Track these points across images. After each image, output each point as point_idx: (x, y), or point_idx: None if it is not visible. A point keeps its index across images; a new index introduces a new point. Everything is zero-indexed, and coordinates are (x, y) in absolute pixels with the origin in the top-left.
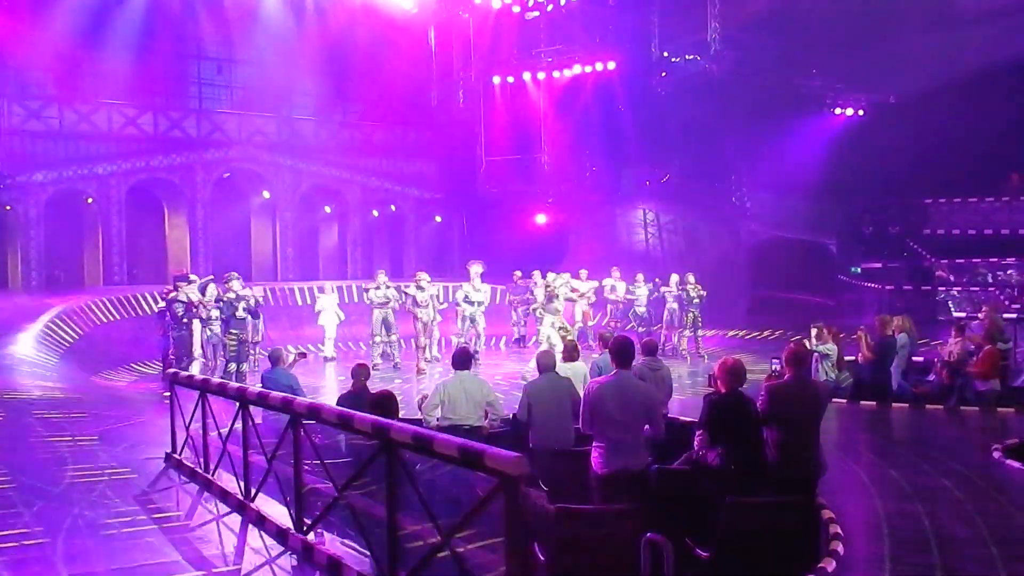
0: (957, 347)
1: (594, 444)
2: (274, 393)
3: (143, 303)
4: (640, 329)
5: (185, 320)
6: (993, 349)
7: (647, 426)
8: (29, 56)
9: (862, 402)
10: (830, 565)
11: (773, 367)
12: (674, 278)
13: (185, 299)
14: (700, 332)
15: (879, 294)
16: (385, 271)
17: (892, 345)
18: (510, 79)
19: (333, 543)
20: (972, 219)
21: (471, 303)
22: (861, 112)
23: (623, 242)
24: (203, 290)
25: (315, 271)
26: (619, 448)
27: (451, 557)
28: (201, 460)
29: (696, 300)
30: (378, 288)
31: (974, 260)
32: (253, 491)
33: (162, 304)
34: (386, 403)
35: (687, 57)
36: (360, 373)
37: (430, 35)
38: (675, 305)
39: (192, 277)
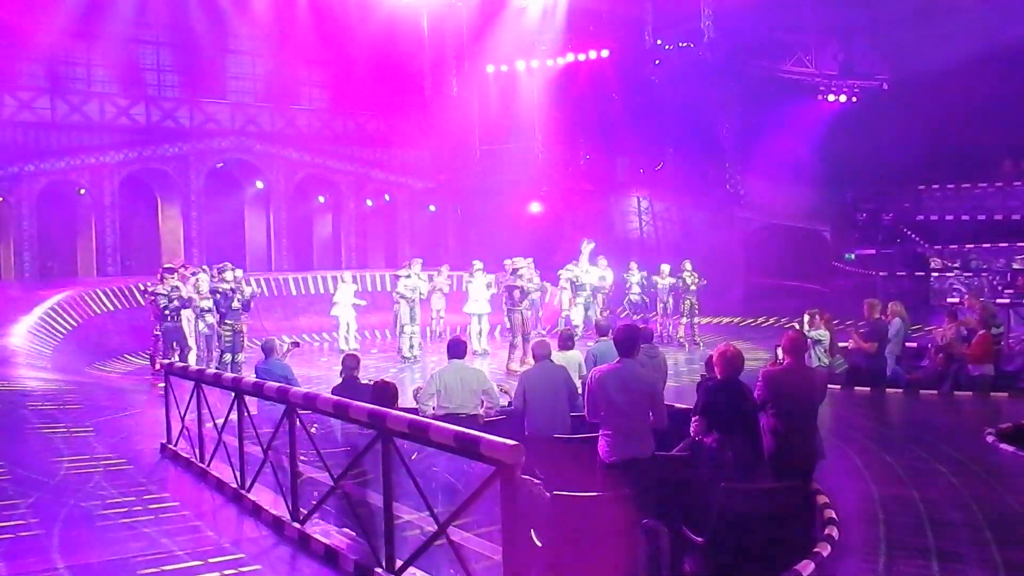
0: (951, 332)
1: (601, 432)
2: (269, 383)
3: (137, 294)
4: (635, 317)
5: (167, 312)
6: (986, 334)
7: (651, 414)
8: (20, 46)
9: (856, 388)
10: (825, 550)
11: (778, 355)
12: (664, 268)
13: (165, 291)
14: (696, 319)
15: (873, 280)
16: (421, 260)
17: (883, 328)
18: (504, 68)
19: (329, 532)
20: (965, 205)
21: (581, 286)
22: (854, 99)
23: (617, 230)
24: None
25: (309, 261)
26: (624, 436)
27: (448, 545)
28: (197, 451)
29: (693, 287)
30: (409, 278)
31: (967, 246)
32: (249, 481)
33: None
34: (385, 392)
35: (680, 44)
36: (349, 363)
37: (423, 24)
38: (668, 295)
39: (167, 265)
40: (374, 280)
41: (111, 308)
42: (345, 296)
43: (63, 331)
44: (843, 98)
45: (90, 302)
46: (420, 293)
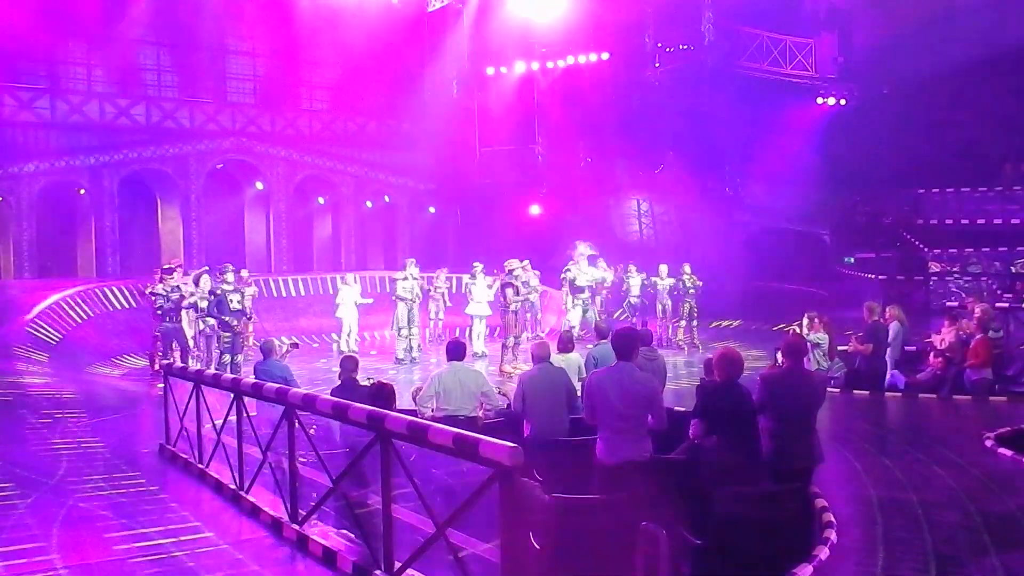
0: (950, 336)
1: (598, 435)
2: (268, 384)
3: (136, 295)
4: (633, 319)
5: (162, 313)
6: (985, 338)
7: (650, 417)
8: (20, 46)
9: (855, 391)
10: (823, 553)
11: (778, 358)
12: (663, 268)
13: (164, 291)
14: (696, 322)
15: (872, 284)
16: (415, 260)
17: (881, 330)
18: (504, 70)
19: (328, 534)
20: (965, 209)
21: (579, 288)
22: (854, 102)
23: (617, 233)
24: (197, 281)
25: (309, 263)
26: (622, 439)
27: (446, 547)
28: (195, 451)
29: (692, 290)
30: (405, 279)
31: (967, 250)
32: (248, 482)
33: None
34: (381, 393)
35: (681, 47)
36: (348, 365)
37: (424, 25)
38: (667, 297)
39: (167, 266)
40: (373, 281)
41: (110, 308)
42: (347, 298)
43: (62, 331)
44: (843, 101)
45: (89, 302)
46: (416, 294)
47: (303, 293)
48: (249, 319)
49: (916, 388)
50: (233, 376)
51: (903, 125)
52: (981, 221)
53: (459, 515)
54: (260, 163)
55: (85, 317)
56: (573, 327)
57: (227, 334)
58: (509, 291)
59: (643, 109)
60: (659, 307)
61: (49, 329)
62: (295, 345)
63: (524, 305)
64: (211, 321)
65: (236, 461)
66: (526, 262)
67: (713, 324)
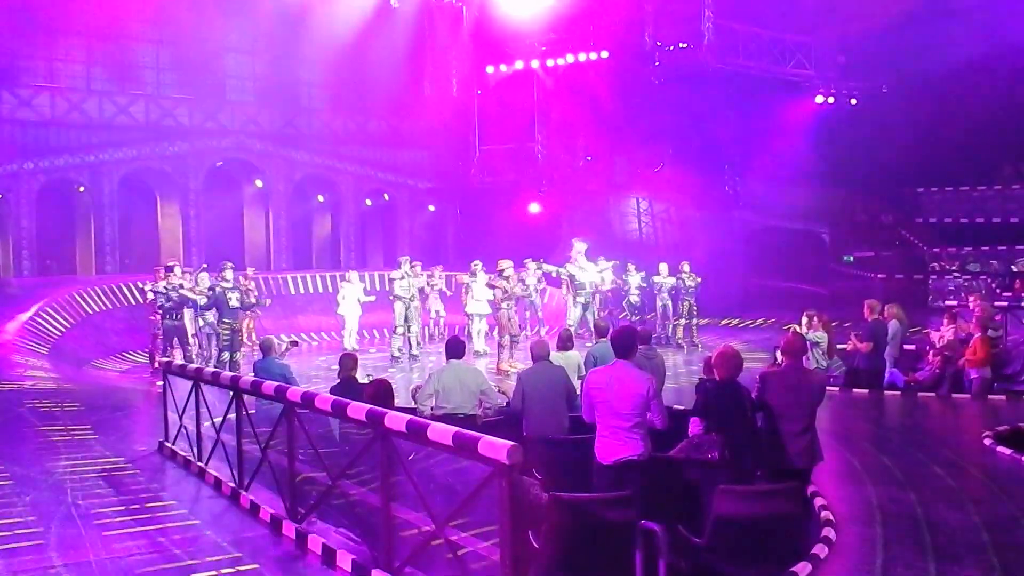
0: (949, 334)
1: (597, 433)
2: (267, 382)
3: (135, 292)
4: (633, 318)
5: (164, 311)
6: (984, 337)
7: (649, 415)
8: (20, 44)
9: (854, 390)
10: (822, 551)
11: (777, 357)
12: (663, 267)
13: (164, 289)
14: (695, 321)
15: (872, 282)
16: (409, 258)
17: (881, 329)
18: (504, 68)
19: (327, 532)
20: (964, 208)
21: (581, 286)
22: (854, 101)
23: (616, 231)
24: (196, 280)
25: (308, 261)
26: (620, 437)
27: (445, 545)
28: (194, 449)
29: (692, 288)
30: (403, 278)
31: (966, 249)
32: (247, 480)
33: (150, 295)
34: (379, 391)
35: (680, 46)
36: (347, 363)
37: (424, 23)
38: (667, 295)
39: (170, 263)
40: (373, 280)
41: (110, 306)
42: (350, 295)
43: (61, 329)
44: (842, 100)
45: (88, 300)
46: (413, 293)
47: (302, 291)
48: (261, 304)
49: (915, 387)
50: (232, 374)
51: (902, 124)
52: (980, 220)
53: (458, 513)
54: (259, 161)
55: (85, 315)
56: (571, 325)
57: (226, 332)
58: (498, 293)
59: (642, 107)
60: (659, 305)
61: (49, 327)
62: (294, 343)
63: (523, 303)
64: (210, 318)
65: (235, 459)
66: (526, 261)
67: (713, 322)
